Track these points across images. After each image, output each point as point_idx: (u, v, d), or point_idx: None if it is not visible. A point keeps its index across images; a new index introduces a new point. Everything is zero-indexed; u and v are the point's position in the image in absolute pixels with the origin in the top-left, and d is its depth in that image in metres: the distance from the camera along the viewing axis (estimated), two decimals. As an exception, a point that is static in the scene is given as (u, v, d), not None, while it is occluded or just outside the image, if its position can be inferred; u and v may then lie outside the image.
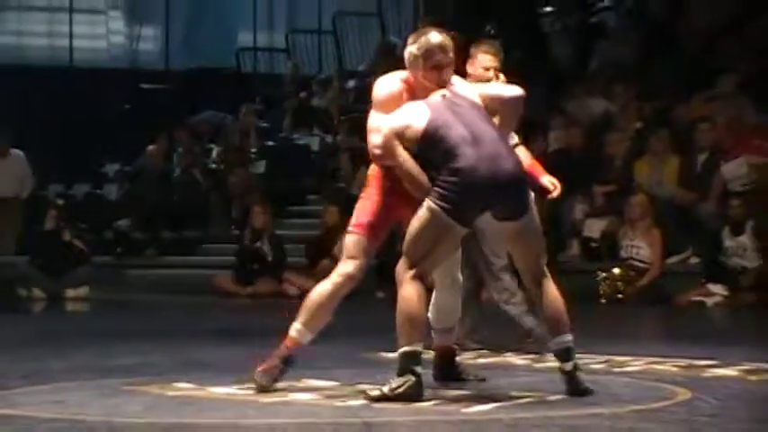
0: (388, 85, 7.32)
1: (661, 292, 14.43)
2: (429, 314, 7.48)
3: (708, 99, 16.50)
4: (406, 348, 7.01)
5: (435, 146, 7.02)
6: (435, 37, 7.11)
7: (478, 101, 7.17)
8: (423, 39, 7.15)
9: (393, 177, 7.29)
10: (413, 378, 6.95)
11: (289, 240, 17.36)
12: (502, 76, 9.10)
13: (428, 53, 7.09)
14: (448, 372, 7.68)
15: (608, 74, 18.03)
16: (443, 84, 7.15)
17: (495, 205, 7.03)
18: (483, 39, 10.22)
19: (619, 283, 14.46)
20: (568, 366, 7.05)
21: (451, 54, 7.18)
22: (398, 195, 7.28)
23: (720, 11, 18.17)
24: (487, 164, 6.97)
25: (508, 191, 7.02)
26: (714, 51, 17.37)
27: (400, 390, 6.93)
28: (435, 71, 7.12)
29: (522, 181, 7.08)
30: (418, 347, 7.04)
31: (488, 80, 8.95)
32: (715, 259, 14.37)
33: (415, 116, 7.09)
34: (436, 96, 7.13)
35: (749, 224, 14.29)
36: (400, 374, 6.98)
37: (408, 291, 7.05)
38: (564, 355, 7.07)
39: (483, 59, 9.15)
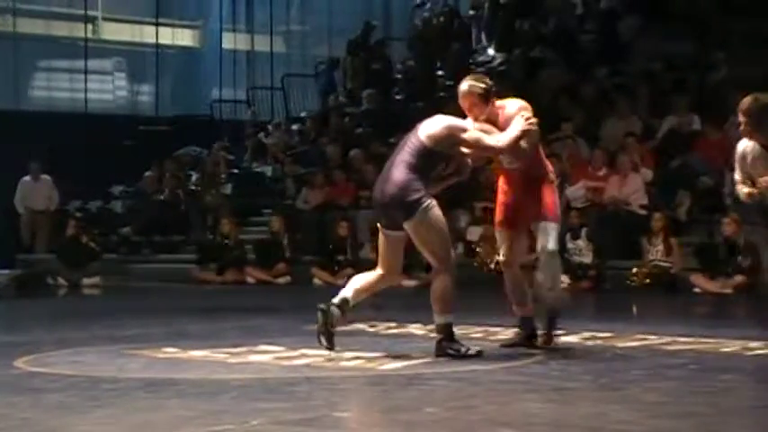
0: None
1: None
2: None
3: (554, 139, 16.61)
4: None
5: None
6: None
7: (445, 130, 6.98)
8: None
9: None
10: None
11: (249, 243, 17.25)
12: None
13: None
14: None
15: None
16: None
17: (384, 216, 7.02)
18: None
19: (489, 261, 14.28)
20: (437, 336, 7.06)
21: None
22: None
23: (560, 77, 18.26)
24: (378, 185, 7.01)
25: (385, 207, 6.98)
26: (557, 105, 17.46)
27: None
28: None
29: (395, 200, 6.87)
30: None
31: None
32: (561, 256, 14.39)
33: None
34: None
35: (584, 231, 14.37)
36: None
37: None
38: (437, 328, 7.07)
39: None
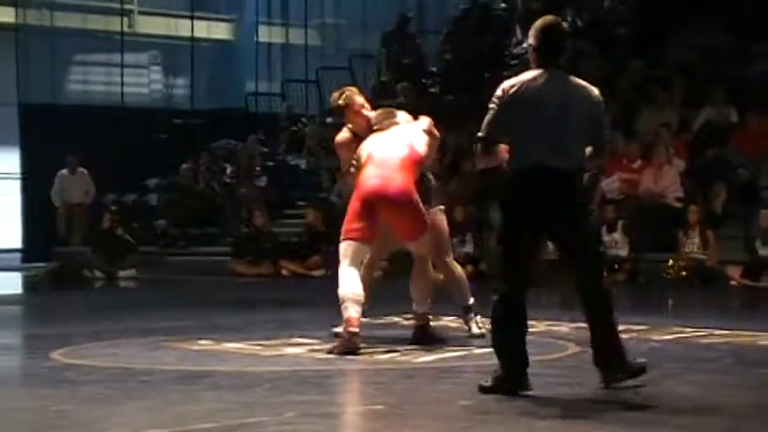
0: None
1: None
2: None
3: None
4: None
5: None
6: None
7: None
8: None
9: None
10: None
11: (283, 236, 17.27)
12: None
13: None
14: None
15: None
16: None
17: None
18: None
19: None
20: None
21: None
22: None
23: (595, 69, 18.08)
24: None
25: None
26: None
27: None
28: None
29: None
30: None
31: None
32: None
33: None
34: None
35: (620, 223, 14.29)
36: None
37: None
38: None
39: None
